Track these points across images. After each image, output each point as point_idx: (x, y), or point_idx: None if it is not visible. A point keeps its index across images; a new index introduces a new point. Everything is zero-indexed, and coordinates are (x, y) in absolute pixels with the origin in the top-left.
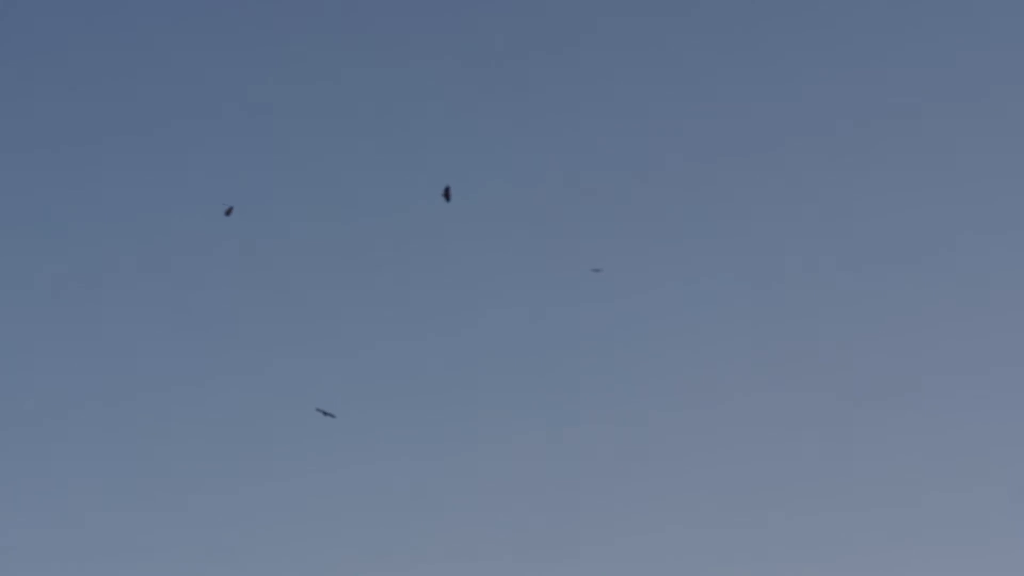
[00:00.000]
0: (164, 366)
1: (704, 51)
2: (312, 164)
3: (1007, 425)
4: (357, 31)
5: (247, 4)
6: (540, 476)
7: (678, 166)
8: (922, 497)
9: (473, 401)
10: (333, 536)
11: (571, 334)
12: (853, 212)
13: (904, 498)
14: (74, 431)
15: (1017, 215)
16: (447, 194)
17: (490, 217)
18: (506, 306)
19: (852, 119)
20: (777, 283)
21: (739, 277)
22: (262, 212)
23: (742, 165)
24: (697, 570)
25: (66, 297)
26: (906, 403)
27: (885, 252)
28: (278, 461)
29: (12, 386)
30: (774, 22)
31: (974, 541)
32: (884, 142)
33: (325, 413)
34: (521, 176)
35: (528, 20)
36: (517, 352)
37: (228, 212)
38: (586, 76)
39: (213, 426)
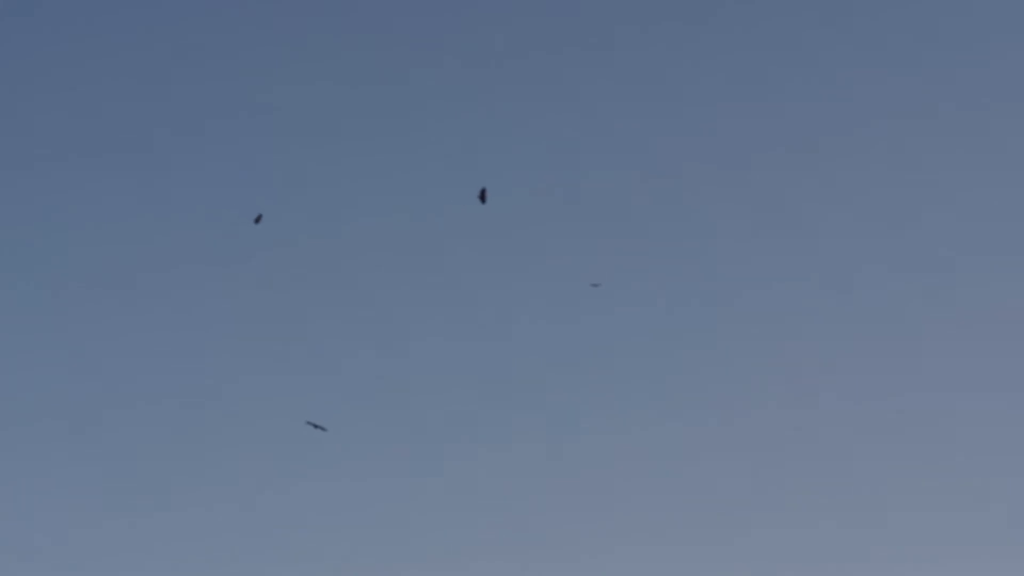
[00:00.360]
0: (164, 369)
1: (707, 51)
2: (308, 166)
3: (1010, 427)
4: (356, 32)
5: (248, 5)
6: (540, 484)
7: (679, 168)
8: (923, 500)
9: (472, 408)
10: (331, 542)
11: (572, 339)
12: (853, 215)
13: (906, 501)
14: (72, 434)
15: (1020, 218)
16: (483, 196)
17: (490, 220)
18: (504, 312)
19: (851, 121)
20: (777, 287)
21: (739, 281)
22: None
23: (745, 166)
24: None
25: (66, 299)
26: (906, 404)
27: (886, 253)
28: (278, 466)
29: (12, 388)
30: (776, 23)
31: (977, 542)
32: (884, 144)
33: (316, 426)
34: (520, 178)
35: (528, 20)
36: (517, 358)
37: (257, 220)
38: (587, 77)
39: (213, 431)
